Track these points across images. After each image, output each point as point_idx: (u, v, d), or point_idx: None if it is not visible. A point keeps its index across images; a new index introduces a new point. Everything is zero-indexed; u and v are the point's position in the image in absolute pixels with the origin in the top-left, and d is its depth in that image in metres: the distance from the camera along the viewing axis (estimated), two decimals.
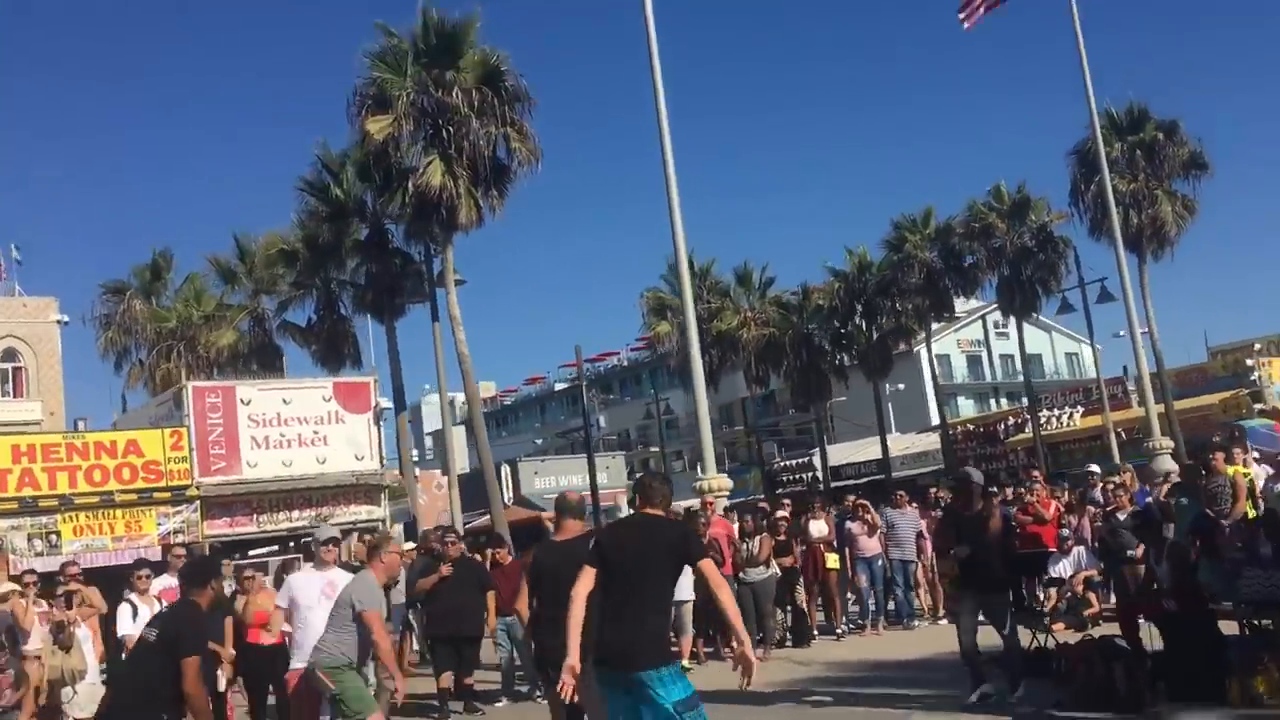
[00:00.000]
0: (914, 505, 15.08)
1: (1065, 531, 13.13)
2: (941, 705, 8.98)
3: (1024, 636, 11.34)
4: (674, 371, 47.04)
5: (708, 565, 5.56)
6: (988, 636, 9.19)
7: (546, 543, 7.18)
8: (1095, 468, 15.86)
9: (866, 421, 49.61)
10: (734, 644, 5.51)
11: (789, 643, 13.73)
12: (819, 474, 44.65)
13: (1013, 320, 66.96)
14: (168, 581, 11.36)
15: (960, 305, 45.04)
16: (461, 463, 50.95)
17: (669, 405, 53.54)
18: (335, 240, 25.90)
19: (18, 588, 11.65)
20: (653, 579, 5.43)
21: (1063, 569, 12.64)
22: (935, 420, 56.51)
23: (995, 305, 65.21)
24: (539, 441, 75.94)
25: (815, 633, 14.11)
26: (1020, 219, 36.35)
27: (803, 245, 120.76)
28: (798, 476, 45.45)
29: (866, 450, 47.32)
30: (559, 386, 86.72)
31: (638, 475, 7.42)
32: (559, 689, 5.32)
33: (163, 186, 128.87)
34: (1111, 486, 13.44)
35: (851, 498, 15.42)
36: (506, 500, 33.01)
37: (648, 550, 5.43)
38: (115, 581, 11.59)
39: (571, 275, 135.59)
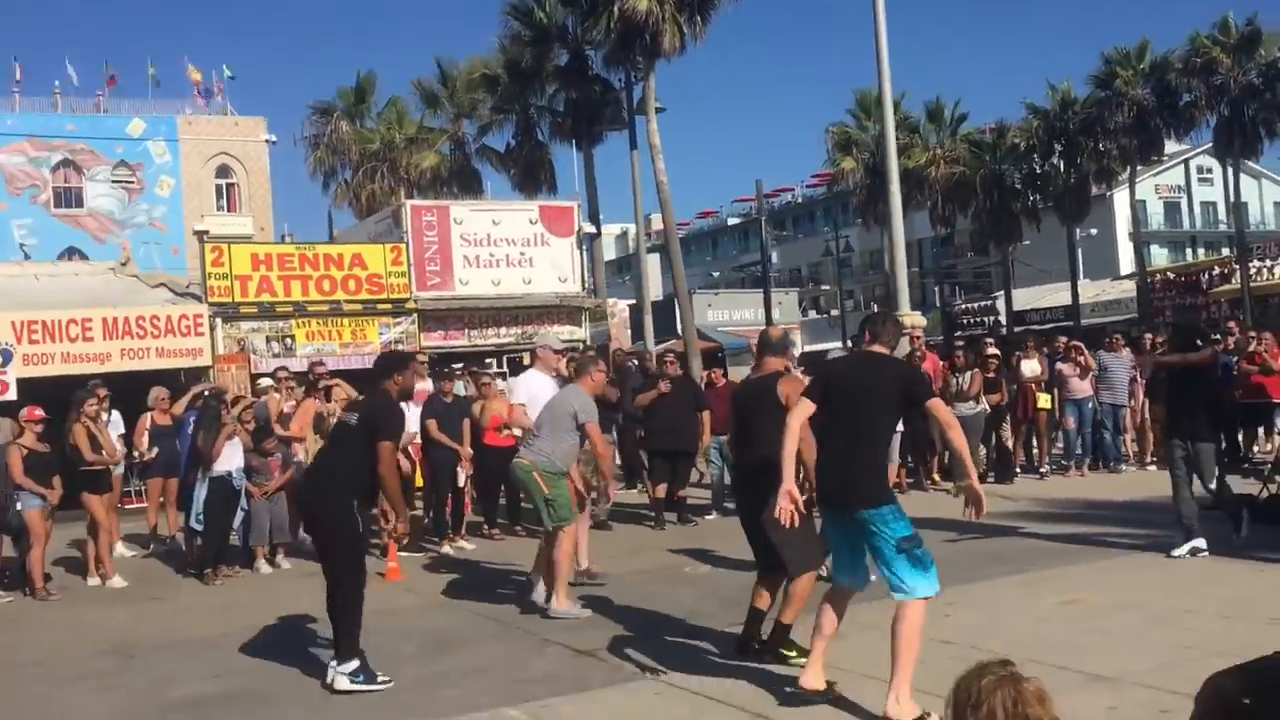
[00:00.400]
0: (1128, 349, 14.77)
1: None
2: (1152, 546, 9.02)
3: (1254, 486, 11.25)
4: (857, 209, 46.30)
5: (937, 404, 5.50)
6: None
7: (744, 381, 7.17)
8: None
9: (1049, 267, 47.97)
10: (957, 480, 5.65)
11: (991, 478, 13.88)
12: (1001, 318, 43.71)
13: (1217, 166, 63.16)
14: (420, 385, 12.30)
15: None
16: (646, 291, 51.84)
17: (848, 243, 52.74)
18: (536, 66, 26.10)
19: (273, 383, 12.80)
20: (876, 417, 5.38)
21: None
22: (1125, 268, 54.17)
23: (1199, 149, 61.49)
24: (715, 274, 76.02)
25: (1018, 470, 14.21)
26: (1248, 54, 33.73)
27: (999, 83, 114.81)
28: (979, 320, 44.52)
29: (1052, 296, 45.91)
30: (732, 221, 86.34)
31: (869, 312, 7.23)
32: (775, 513, 5.24)
33: (368, 8, 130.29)
34: None
35: (1063, 339, 15.20)
36: (679, 331, 33.60)
37: (874, 387, 5.35)
38: (349, 380, 12.58)
39: (749, 108, 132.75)
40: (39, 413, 10.03)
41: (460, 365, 14.83)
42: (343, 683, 6.06)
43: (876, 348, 5.57)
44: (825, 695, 5.40)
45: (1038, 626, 6.76)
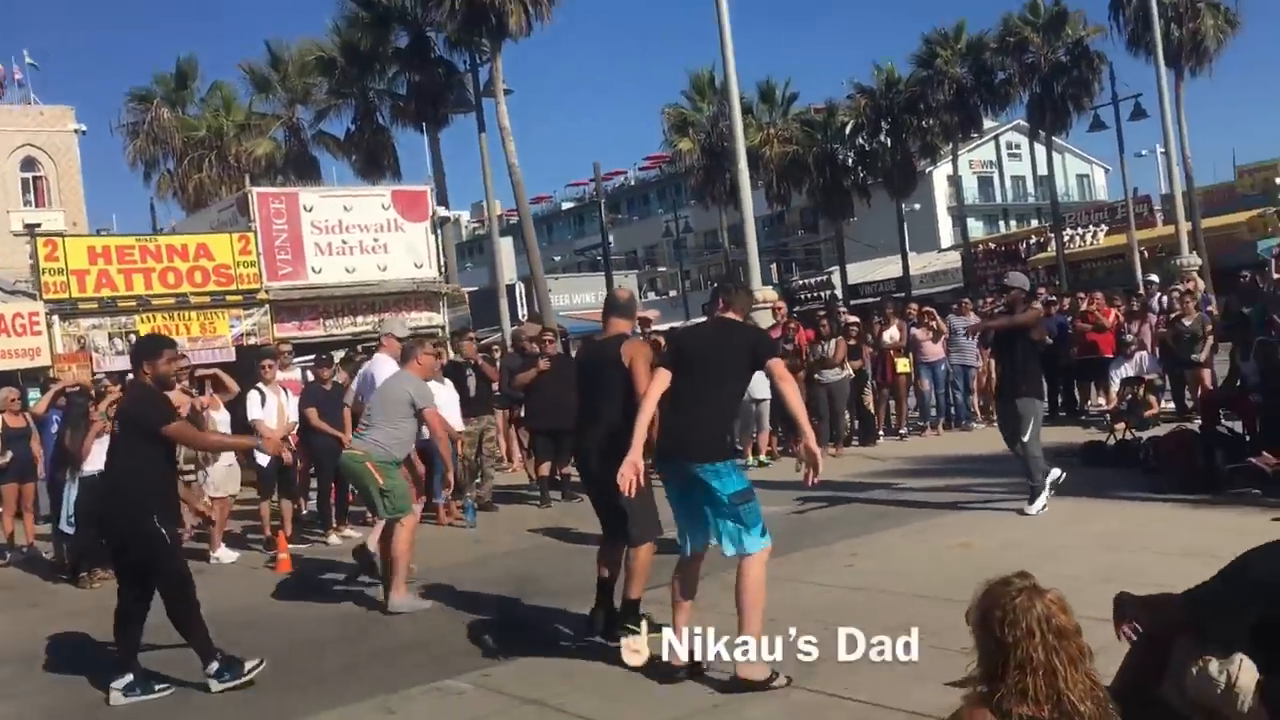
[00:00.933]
0: (974, 313, 15.61)
1: (1129, 337, 13.73)
2: (1017, 494, 9.63)
3: (1096, 435, 12.12)
4: (694, 189, 47.06)
5: (776, 364, 5.53)
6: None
7: (588, 341, 6.99)
8: (1155, 277, 16.38)
9: (876, 241, 49.98)
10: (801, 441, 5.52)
11: (856, 441, 14.49)
12: (837, 292, 45.26)
13: (1025, 141, 66.81)
14: (288, 375, 12.03)
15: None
16: (480, 279, 51.43)
17: (687, 223, 53.58)
18: (375, 48, 25.59)
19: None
20: (722, 378, 5.46)
21: (1124, 371, 13.29)
22: (945, 241, 56.91)
23: (1008, 125, 64.91)
24: (556, 259, 76.04)
25: (881, 433, 14.87)
26: (1056, 33, 35.86)
27: (826, 65, 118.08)
28: (816, 295, 46.03)
29: (883, 269, 47.83)
30: (566, 205, 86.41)
31: (717, 280, 7.29)
32: (619, 480, 5.27)
33: None
34: (1177, 294, 13.97)
35: (916, 305, 15.96)
36: (522, 316, 33.49)
37: (721, 350, 5.47)
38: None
39: (575, 93, 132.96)
40: None
41: (341, 353, 14.53)
42: (214, 685, 5.94)
43: (730, 314, 5.65)
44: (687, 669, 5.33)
45: (938, 568, 7.18)
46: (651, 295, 70.39)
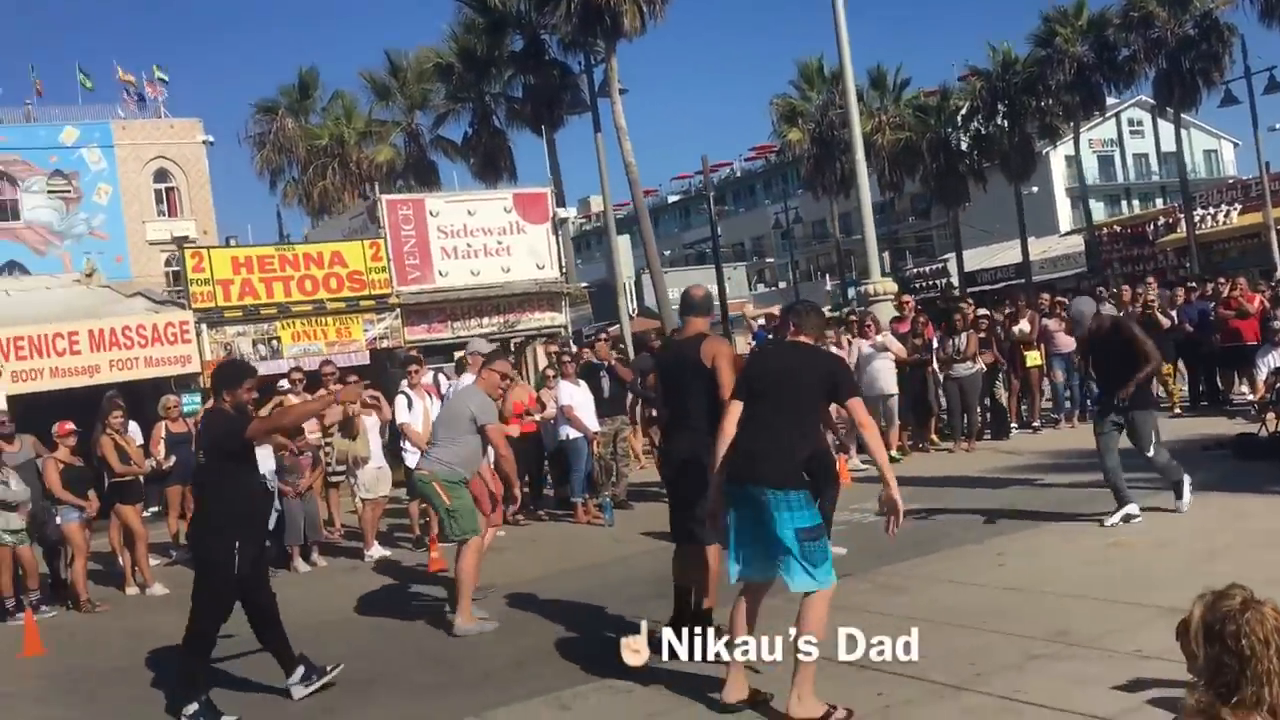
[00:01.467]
0: (1110, 303, 15.26)
1: (1276, 324, 13.29)
2: (1164, 489, 9.43)
3: (1240, 426, 11.78)
4: (804, 179, 46.77)
5: (856, 405, 5.27)
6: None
7: (669, 340, 6.81)
8: None
9: (990, 227, 48.89)
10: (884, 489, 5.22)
11: (988, 435, 14.31)
12: (953, 280, 44.52)
13: (1147, 118, 64.50)
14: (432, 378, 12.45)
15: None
16: (591, 275, 51.93)
17: (797, 213, 53.21)
18: (491, 53, 26.05)
19: (288, 385, 12.83)
20: (798, 406, 5.27)
21: (1271, 360, 12.87)
22: (1065, 225, 55.39)
23: (1129, 102, 62.78)
24: (667, 253, 76.33)
25: (1014, 426, 14.66)
26: (1183, 7, 34.61)
27: (938, 48, 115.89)
28: (931, 283, 45.32)
29: (1001, 255, 46.81)
30: (672, 198, 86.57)
31: (790, 303, 6.92)
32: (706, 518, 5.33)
33: (304, 3, 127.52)
34: None
35: (1047, 296, 15.67)
36: (631, 311, 33.54)
37: (797, 377, 5.27)
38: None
39: (680, 87, 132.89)
40: (70, 426, 10.01)
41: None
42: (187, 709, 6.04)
43: (802, 338, 5.51)
44: (750, 704, 5.19)
45: (1092, 568, 7.12)
46: (761, 287, 70.17)
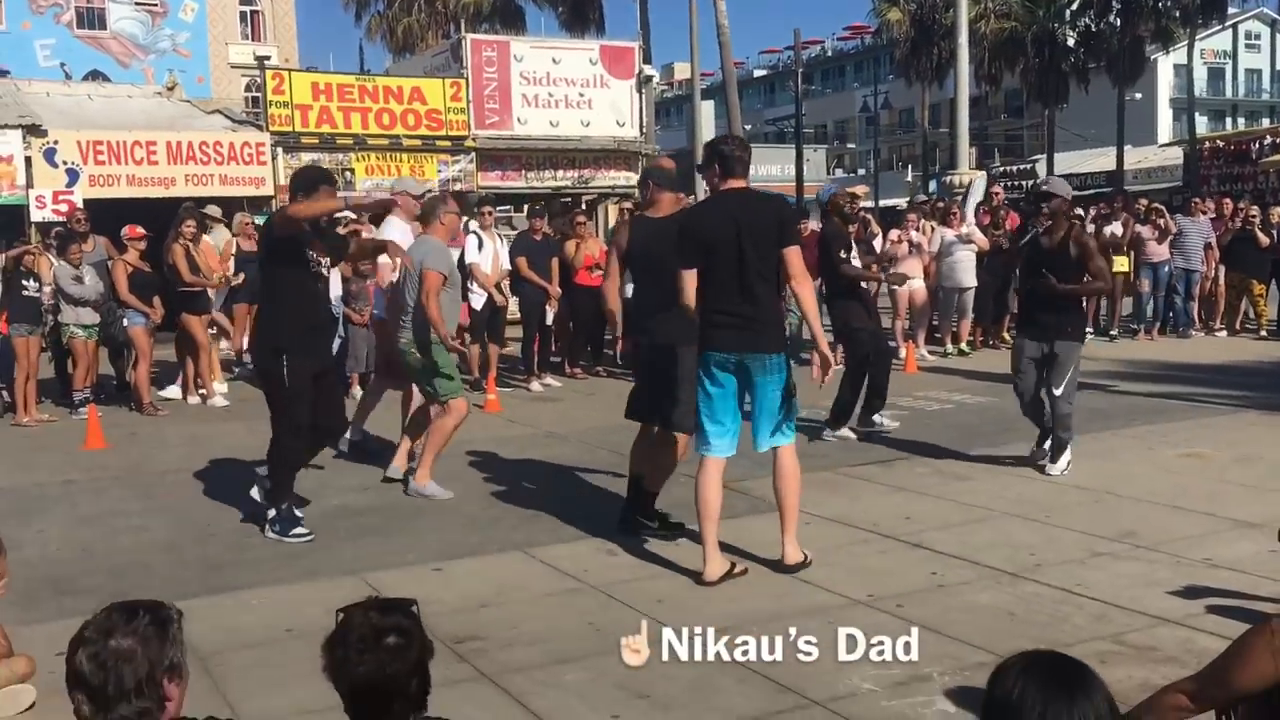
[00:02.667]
0: (1207, 215, 14.62)
1: None
2: (1247, 406, 9.14)
3: None
4: (899, 63, 45.22)
5: (792, 253, 4.98)
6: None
7: (640, 219, 6.10)
8: None
9: (1086, 132, 47.01)
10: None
11: None
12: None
13: (1266, 32, 61.13)
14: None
15: None
16: (670, 142, 51.03)
17: (887, 99, 51.59)
18: None
19: (352, 215, 12.75)
20: (761, 259, 4.98)
21: None
22: (1164, 136, 53.12)
23: (1249, 13, 59.53)
24: (747, 128, 74.83)
25: (1090, 332, 14.21)
26: None
27: None
28: (1018, 184, 43.89)
29: (1093, 161, 45.09)
30: (758, 73, 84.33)
31: (711, 140, 5.99)
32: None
33: None
34: None
35: (1145, 201, 15.02)
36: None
37: (750, 229, 4.96)
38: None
39: None
40: (140, 230, 10.04)
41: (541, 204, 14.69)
42: (267, 530, 5.94)
43: (734, 184, 5.13)
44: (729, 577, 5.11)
45: (1166, 477, 6.88)
46: (839, 172, 68.61)
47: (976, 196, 15.67)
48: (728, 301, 5.04)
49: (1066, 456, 7.00)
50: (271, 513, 5.95)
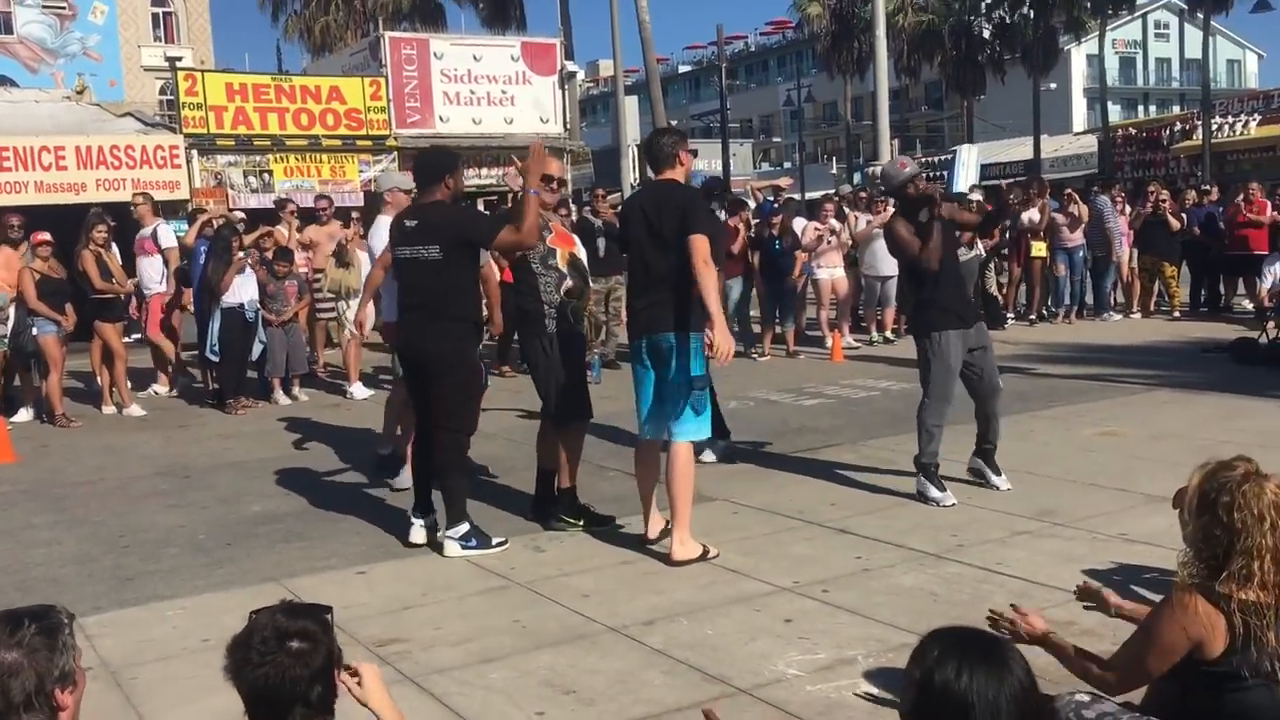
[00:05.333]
0: (1122, 199, 14.96)
1: None
2: (1162, 386, 9.35)
3: (1250, 331, 11.62)
4: (820, 57, 45.64)
5: (697, 240, 5.03)
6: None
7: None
8: None
9: (1004, 122, 47.93)
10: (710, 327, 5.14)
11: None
12: None
13: (1174, 21, 62.79)
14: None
15: None
16: (596, 139, 50.93)
17: (810, 93, 52.04)
18: None
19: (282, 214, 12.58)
20: (669, 246, 5.12)
21: (1278, 270, 12.64)
22: (1079, 125, 54.35)
23: (1160, 3, 61.09)
24: (672, 123, 74.89)
25: (1011, 317, 14.48)
26: None
27: None
28: (939, 174, 44.57)
29: (1012, 150, 45.96)
30: (683, 69, 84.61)
31: (650, 135, 6.14)
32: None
33: None
34: None
35: (1067, 190, 15.31)
36: (633, 177, 32.80)
37: (659, 217, 5.15)
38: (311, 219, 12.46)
39: None
40: (44, 236, 9.74)
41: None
42: (452, 548, 5.44)
43: (666, 175, 5.33)
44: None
45: (1083, 455, 7.02)
46: (765, 166, 69.12)
47: (970, 174, 15.73)
48: (639, 288, 5.32)
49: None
50: (464, 527, 5.47)
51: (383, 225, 7.57)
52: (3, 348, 9.65)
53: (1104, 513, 5.71)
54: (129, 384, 10.33)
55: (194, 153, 17.10)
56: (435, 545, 5.56)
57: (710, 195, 8.25)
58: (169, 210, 16.18)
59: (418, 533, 5.62)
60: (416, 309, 5.41)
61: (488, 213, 6.10)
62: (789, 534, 5.62)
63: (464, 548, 5.40)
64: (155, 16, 43.59)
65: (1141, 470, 6.52)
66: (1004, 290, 14.63)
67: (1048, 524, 5.55)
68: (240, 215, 13.60)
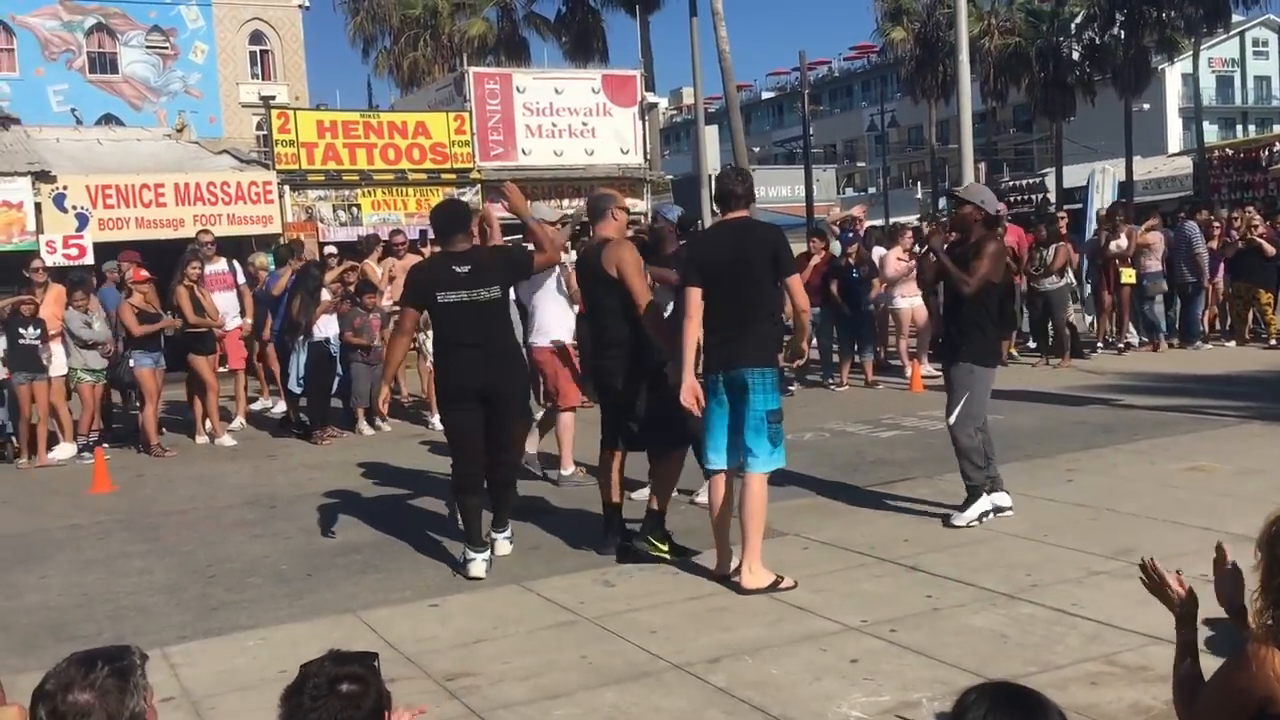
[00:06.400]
0: (1220, 226, 14.57)
1: None
2: (1256, 418, 9.06)
3: None
4: (904, 82, 45.25)
5: (795, 282, 5.39)
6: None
7: (587, 247, 6.20)
8: None
9: (1095, 144, 46.94)
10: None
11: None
12: (1050, 195, 42.98)
13: (1274, 38, 60.97)
14: None
15: None
16: (677, 167, 51.19)
17: (894, 118, 51.67)
18: None
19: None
20: (756, 284, 5.30)
21: None
22: (1174, 146, 53.03)
23: (1255, 21, 59.37)
24: (756, 149, 75.00)
25: (1100, 346, 14.19)
26: None
27: None
28: (1027, 198, 43.80)
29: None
30: (766, 95, 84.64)
31: (718, 175, 6.61)
32: (686, 405, 5.33)
33: None
34: None
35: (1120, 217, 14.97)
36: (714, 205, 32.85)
37: (745, 257, 5.26)
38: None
39: None
40: (144, 274, 10.14)
41: None
42: (504, 546, 6.06)
43: (736, 215, 5.46)
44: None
45: (1166, 491, 6.84)
46: (849, 191, 68.67)
47: (1105, 195, 15.46)
48: (715, 324, 5.39)
49: (979, 506, 6.25)
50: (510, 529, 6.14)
51: None
52: (102, 380, 10.05)
53: (1187, 553, 5.53)
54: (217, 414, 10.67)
55: (286, 188, 17.63)
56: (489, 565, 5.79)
57: (683, 229, 8.18)
58: (261, 244, 16.76)
59: (478, 566, 5.77)
60: (477, 346, 5.70)
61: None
62: (859, 570, 5.59)
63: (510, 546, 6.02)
64: (253, 54, 45.03)
65: (1228, 508, 6.33)
66: (1091, 320, 14.33)
67: (1126, 563, 5.42)
68: (332, 250, 13.99)
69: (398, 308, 11.61)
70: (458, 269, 5.67)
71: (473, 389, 5.75)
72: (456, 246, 5.76)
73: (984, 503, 6.30)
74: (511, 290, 6.27)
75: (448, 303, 5.66)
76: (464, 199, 18.86)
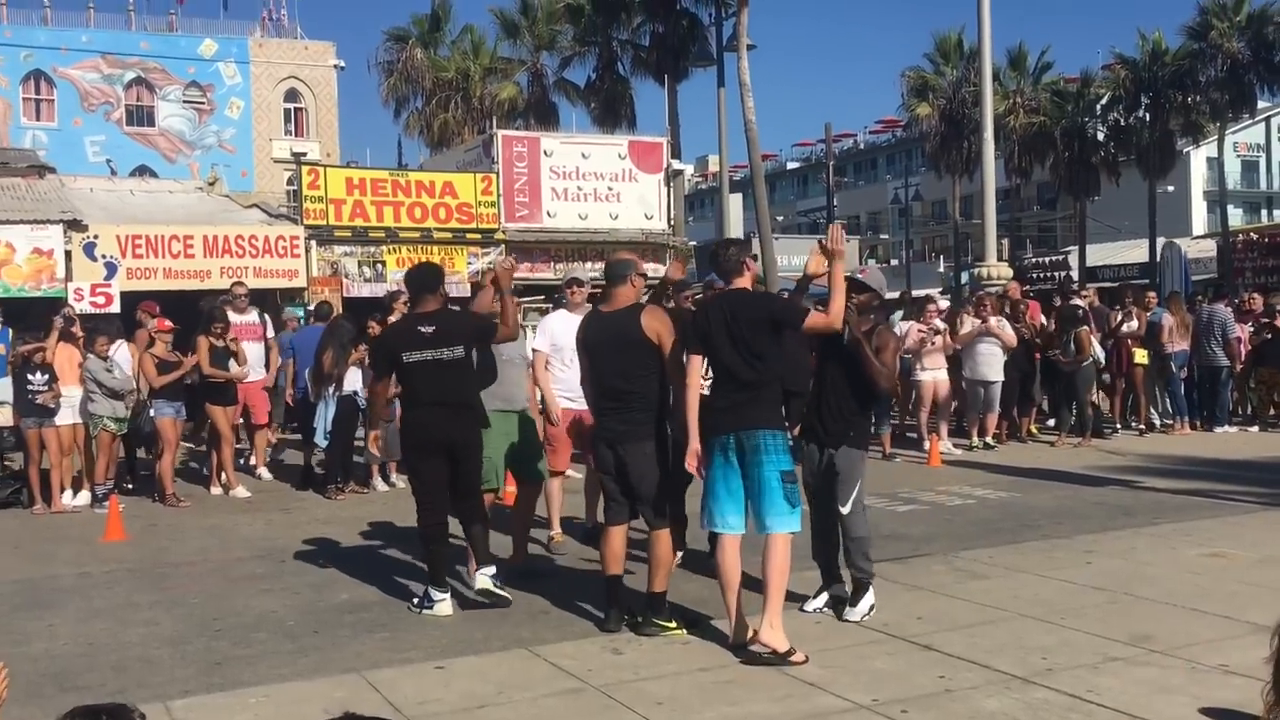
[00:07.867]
0: (1229, 305, 14.54)
1: None
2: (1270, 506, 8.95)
3: None
4: (929, 157, 45.60)
5: (812, 321, 5.40)
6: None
7: (595, 314, 6.02)
8: None
9: (1119, 224, 47.02)
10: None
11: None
12: (1073, 273, 42.99)
13: None
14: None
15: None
16: (702, 234, 51.59)
17: (918, 191, 51.97)
18: None
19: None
20: (757, 350, 5.34)
21: None
22: (1198, 228, 53.04)
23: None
24: (780, 218, 75.46)
25: (1118, 426, 14.09)
26: None
27: (1082, 33, 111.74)
28: (1049, 275, 43.79)
29: (1126, 253, 45.04)
30: (791, 165, 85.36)
31: (713, 247, 6.54)
32: (690, 468, 5.42)
33: None
34: None
35: (1153, 294, 14.98)
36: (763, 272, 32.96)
37: (744, 322, 5.34)
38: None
39: (808, 51, 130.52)
40: (168, 324, 10.24)
41: None
42: (485, 581, 6.21)
43: (736, 284, 5.54)
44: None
45: (1186, 577, 6.73)
46: (872, 263, 68.80)
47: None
48: (722, 388, 5.47)
49: (868, 599, 5.96)
50: (494, 568, 6.29)
51: (559, 315, 7.82)
52: (121, 429, 10.10)
53: (1205, 640, 5.46)
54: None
55: (313, 243, 17.83)
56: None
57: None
58: (285, 298, 16.94)
59: (446, 605, 6.10)
60: (441, 404, 6.08)
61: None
62: (871, 647, 5.50)
63: (495, 583, 6.14)
64: (287, 111, 45.83)
65: (1249, 597, 6.22)
66: (1107, 399, 14.25)
67: (1143, 650, 5.33)
68: (399, 290, 13.94)
69: None
70: (423, 329, 6.09)
71: (437, 441, 6.08)
72: (425, 307, 6.17)
73: (871, 595, 6.00)
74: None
75: (412, 362, 6.08)
76: (487, 258, 19.05)
